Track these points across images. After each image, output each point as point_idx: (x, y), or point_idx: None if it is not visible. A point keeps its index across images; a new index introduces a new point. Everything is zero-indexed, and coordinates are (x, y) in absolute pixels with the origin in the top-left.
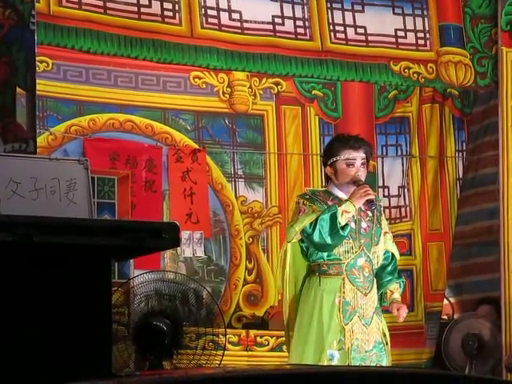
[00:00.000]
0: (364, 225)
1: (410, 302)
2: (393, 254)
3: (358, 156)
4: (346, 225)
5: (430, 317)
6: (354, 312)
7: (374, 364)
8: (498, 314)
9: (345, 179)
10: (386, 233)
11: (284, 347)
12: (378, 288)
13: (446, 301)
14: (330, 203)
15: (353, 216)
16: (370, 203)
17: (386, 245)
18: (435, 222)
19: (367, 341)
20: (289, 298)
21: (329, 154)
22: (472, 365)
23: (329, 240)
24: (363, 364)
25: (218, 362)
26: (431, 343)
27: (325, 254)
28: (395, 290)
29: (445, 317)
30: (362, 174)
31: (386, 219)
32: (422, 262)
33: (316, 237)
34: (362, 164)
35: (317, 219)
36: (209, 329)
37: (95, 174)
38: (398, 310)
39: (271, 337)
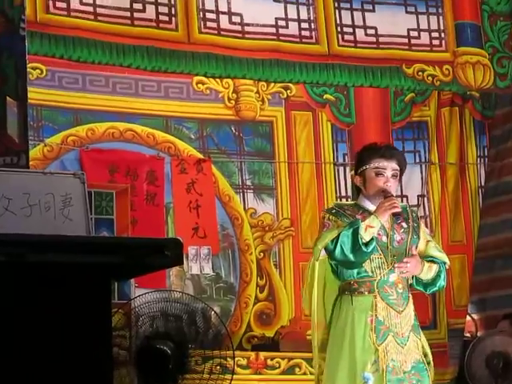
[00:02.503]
0: (397, 237)
1: (432, 320)
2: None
3: (389, 166)
4: (372, 240)
5: (452, 334)
6: (388, 331)
7: None
8: None
9: (373, 189)
10: (428, 241)
11: (297, 369)
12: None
13: (468, 317)
14: (359, 217)
15: (384, 229)
16: (395, 217)
17: (429, 252)
18: (457, 233)
19: (405, 362)
20: (317, 320)
21: (358, 162)
22: None
23: (351, 257)
24: None
25: None
26: (454, 362)
27: (355, 272)
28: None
29: (468, 334)
30: (393, 186)
31: None
32: None
33: (338, 254)
34: (394, 175)
35: (339, 235)
36: (216, 351)
37: (92, 188)
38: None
39: (282, 359)
